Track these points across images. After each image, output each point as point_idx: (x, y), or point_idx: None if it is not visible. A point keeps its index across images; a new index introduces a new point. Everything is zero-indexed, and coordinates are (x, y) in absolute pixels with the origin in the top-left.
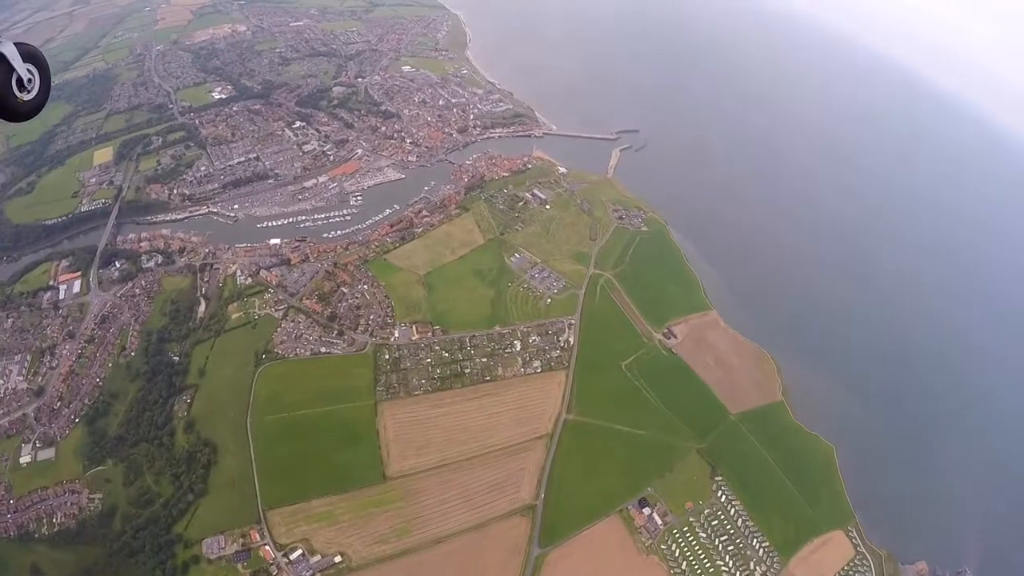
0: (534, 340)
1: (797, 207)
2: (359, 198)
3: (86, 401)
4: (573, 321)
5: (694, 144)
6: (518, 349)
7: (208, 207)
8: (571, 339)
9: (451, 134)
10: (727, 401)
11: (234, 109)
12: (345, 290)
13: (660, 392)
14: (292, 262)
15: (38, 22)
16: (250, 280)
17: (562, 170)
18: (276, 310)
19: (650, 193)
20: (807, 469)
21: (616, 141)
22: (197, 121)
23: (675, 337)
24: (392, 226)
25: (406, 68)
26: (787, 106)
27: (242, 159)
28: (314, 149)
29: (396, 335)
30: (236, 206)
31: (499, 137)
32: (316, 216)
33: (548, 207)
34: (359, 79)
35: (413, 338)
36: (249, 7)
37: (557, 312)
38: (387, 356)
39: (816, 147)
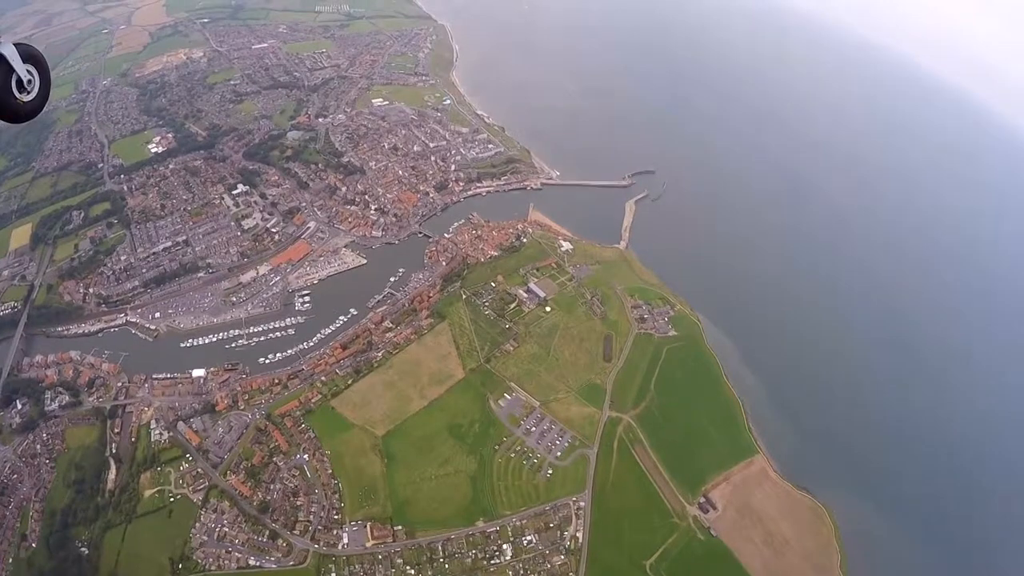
0: (529, 540)
1: (844, 271)
2: (307, 299)
3: None
4: (583, 503)
5: (717, 186)
6: (508, 558)
7: (126, 315)
8: (579, 534)
9: (427, 193)
10: None
11: (170, 168)
12: (280, 463)
13: None
14: (218, 406)
15: None
16: (167, 436)
17: (566, 245)
18: (195, 490)
19: (674, 266)
20: None
21: (630, 188)
22: (126, 187)
23: (714, 508)
24: (345, 348)
25: (377, 101)
26: (814, 126)
27: (169, 244)
28: (256, 226)
29: (345, 540)
30: (157, 314)
31: (487, 193)
32: (252, 330)
33: (548, 309)
34: (320, 118)
35: (367, 544)
36: (212, 27)
37: (561, 489)
38: (333, 575)
39: (856, 184)
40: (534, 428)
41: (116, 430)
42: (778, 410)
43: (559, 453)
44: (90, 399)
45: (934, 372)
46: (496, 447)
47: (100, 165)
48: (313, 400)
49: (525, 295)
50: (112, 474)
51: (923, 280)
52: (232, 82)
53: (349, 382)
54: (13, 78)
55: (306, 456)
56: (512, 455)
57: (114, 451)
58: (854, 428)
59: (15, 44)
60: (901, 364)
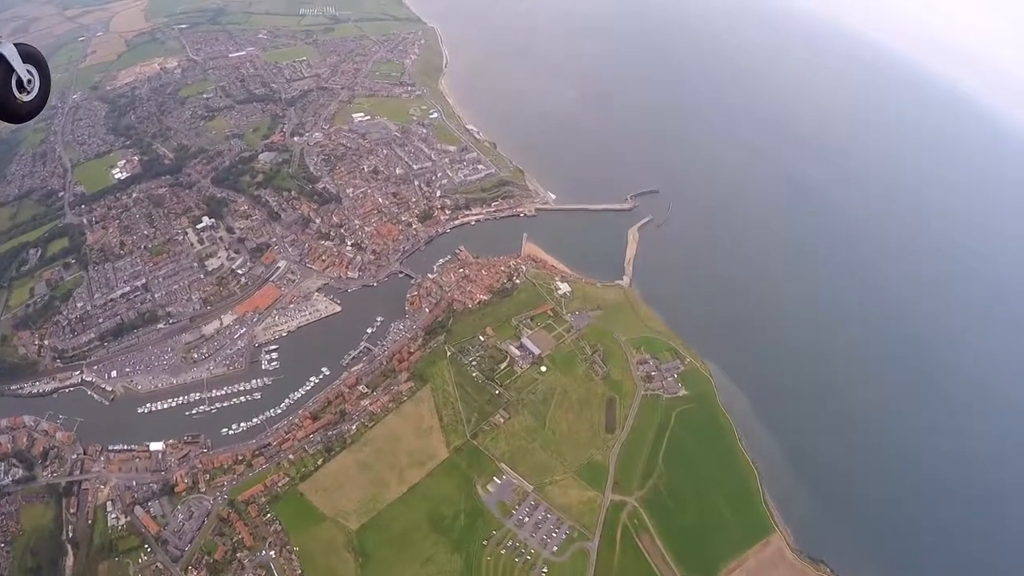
0: None
1: (867, 302)
2: (274, 357)
3: None
4: None
5: (725, 206)
6: None
7: (82, 372)
8: None
9: (409, 224)
10: None
11: (133, 196)
12: (244, 560)
13: None
14: (177, 487)
15: None
16: (124, 521)
17: (563, 288)
18: None
19: (681, 304)
20: None
21: (632, 211)
22: (86, 219)
23: None
24: (315, 419)
25: (358, 116)
26: (828, 136)
27: (127, 288)
28: (221, 267)
29: None
30: (114, 372)
31: (476, 222)
32: (214, 393)
33: (544, 368)
34: (296, 137)
35: None
36: (190, 33)
37: None
38: None
39: (875, 198)
40: (527, 518)
41: (72, 510)
42: (795, 471)
43: (555, 547)
44: (44, 473)
45: (972, 421)
46: (484, 542)
47: (61, 194)
48: (280, 483)
49: (518, 352)
50: (70, 561)
51: (954, 311)
52: (205, 96)
53: (319, 462)
54: (13, 78)
55: (272, 553)
56: (502, 551)
57: (71, 535)
58: (876, 486)
59: (15, 44)
60: (931, 411)
